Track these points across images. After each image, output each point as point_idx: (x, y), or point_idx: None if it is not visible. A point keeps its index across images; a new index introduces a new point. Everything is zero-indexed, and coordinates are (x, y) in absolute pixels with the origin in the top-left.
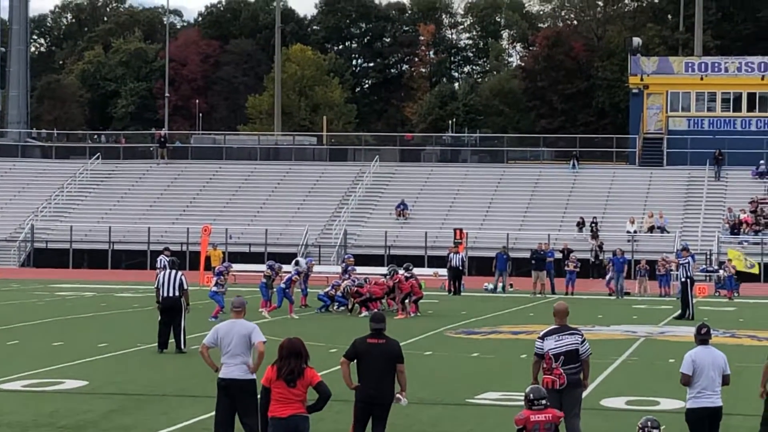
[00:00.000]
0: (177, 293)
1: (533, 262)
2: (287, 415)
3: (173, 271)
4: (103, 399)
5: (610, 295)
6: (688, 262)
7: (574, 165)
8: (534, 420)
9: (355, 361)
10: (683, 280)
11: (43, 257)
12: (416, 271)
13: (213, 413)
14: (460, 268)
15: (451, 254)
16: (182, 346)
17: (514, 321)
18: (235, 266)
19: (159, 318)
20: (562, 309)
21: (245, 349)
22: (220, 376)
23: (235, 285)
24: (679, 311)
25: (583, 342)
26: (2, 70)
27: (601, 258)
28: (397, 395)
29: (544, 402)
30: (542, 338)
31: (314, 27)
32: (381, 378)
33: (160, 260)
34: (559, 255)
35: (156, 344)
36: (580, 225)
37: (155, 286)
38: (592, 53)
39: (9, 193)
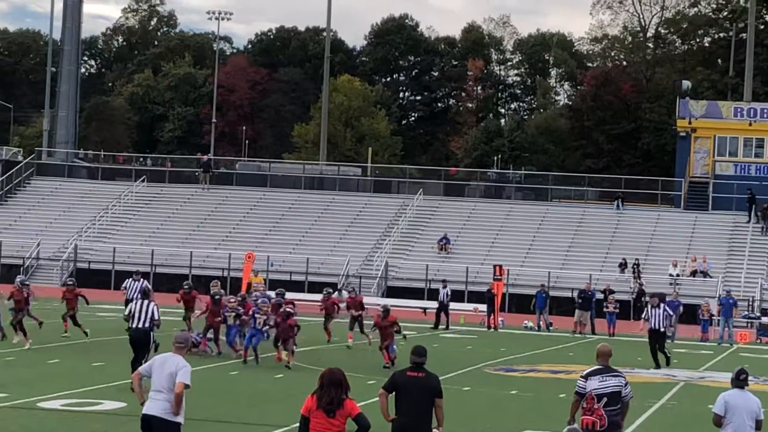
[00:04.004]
0: (148, 325)
1: (579, 301)
2: None
3: (145, 301)
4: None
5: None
6: (662, 312)
7: (618, 206)
8: None
9: (394, 393)
10: (652, 327)
11: (86, 277)
12: (456, 306)
13: None
14: (445, 302)
15: (440, 288)
16: None
17: (553, 360)
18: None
19: (131, 356)
20: (605, 351)
21: (171, 386)
22: (143, 411)
23: None
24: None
25: (626, 385)
26: (52, 90)
27: (644, 300)
28: (434, 430)
29: None
30: (585, 378)
31: (363, 58)
32: (419, 412)
33: (129, 284)
34: (600, 295)
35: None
36: (623, 266)
37: (125, 314)
38: (639, 94)
39: (54, 213)
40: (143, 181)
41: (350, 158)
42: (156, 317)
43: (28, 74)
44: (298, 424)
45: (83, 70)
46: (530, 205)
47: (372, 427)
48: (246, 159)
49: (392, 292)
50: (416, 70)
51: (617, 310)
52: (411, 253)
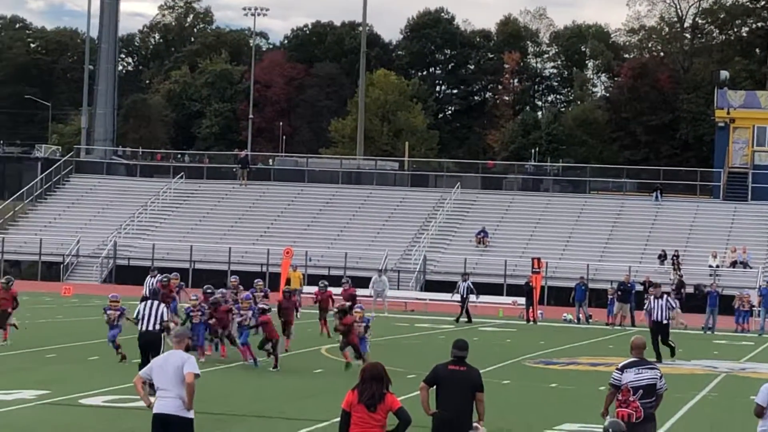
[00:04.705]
0: (158, 327)
1: (619, 293)
2: None
3: (155, 302)
4: None
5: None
6: (665, 303)
7: (657, 197)
8: None
9: (435, 387)
10: (654, 319)
11: (125, 274)
12: (495, 299)
13: None
14: (464, 295)
15: (459, 282)
16: None
17: (593, 352)
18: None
19: (140, 359)
20: (640, 343)
21: (179, 381)
22: (154, 411)
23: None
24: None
25: (661, 377)
26: (90, 87)
27: (683, 291)
28: (475, 424)
29: None
30: (621, 370)
31: (399, 52)
32: (460, 406)
33: (150, 283)
34: (640, 287)
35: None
36: (662, 258)
37: (135, 316)
38: (677, 85)
39: (93, 210)
40: (181, 177)
41: (387, 152)
42: (165, 318)
43: (66, 72)
44: (339, 419)
45: (120, 67)
46: (568, 197)
47: (413, 421)
48: (283, 154)
49: (430, 286)
50: (452, 64)
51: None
52: (449, 246)
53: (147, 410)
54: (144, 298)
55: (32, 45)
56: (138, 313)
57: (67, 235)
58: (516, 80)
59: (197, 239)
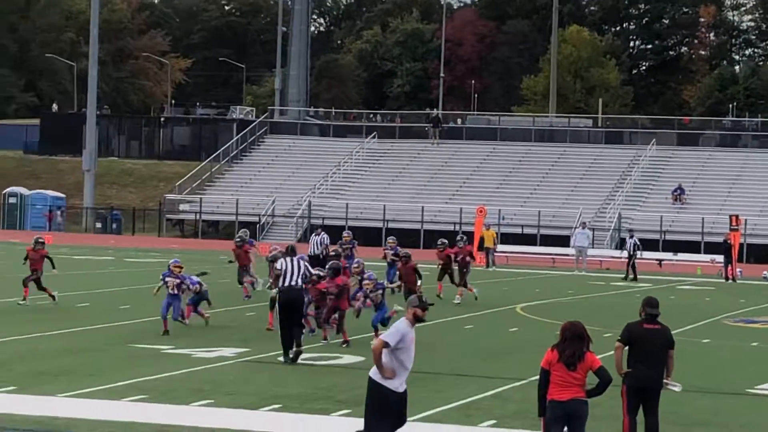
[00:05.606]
0: (301, 283)
1: None
2: (567, 398)
3: (294, 258)
4: None
5: None
6: None
7: None
8: None
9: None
10: None
11: None
12: (692, 257)
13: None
14: (631, 252)
15: (627, 239)
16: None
17: None
18: (507, 248)
19: (279, 317)
20: None
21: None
22: (400, 390)
23: (506, 266)
24: None
25: None
26: (283, 49)
27: None
28: (667, 381)
29: None
30: None
31: (591, 8)
32: (655, 364)
33: (315, 242)
34: None
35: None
36: None
37: (276, 273)
38: None
39: (288, 170)
40: (374, 137)
41: (580, 110)
42: (309, 274)
43: (260, 34)
44: (537, 377)
45: (312, 28)
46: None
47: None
48: (475, 113)
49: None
50: (646, 19)
51: None
52: (644, 204)
53: (346, 368)
54: (310, 257)
55: (226, 8)
56: (281, 268)
57: (263, 195)
58: (712, 34)
59: (390, 198)
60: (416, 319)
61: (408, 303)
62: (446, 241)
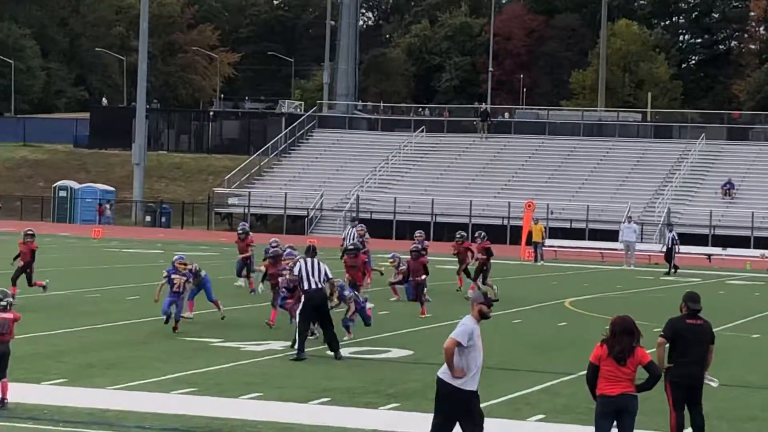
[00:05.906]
0: (324, 285)
1: None
2: (616, 393)
3: (314, 259)
4: (427, 369)
5: None
6: None
7: None
8: None
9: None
10: None
11: (368, 228)
12: (742, 252)
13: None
14: (670, 246)
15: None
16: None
17: None
18: (556, 242)
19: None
20: None
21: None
22: (467, 388)
23: (554, 261)
24: None
25: None
26: (332, 43)
27: None
28: (705, 376)
29: None
30: None
31: (641, 2)
32: (698, 359)
33: (350, 234)
34: None
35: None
36: None
37: (296, 274)
38: None
39: (336, 164)
40: (422, 131)
41: (629, 104)
42: (329, 275)
43: (308, 28)
44: (585, 372)
45: (361, 22)
46: None
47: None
48: (524, 107)
49: None
50: (696, 12)
51: None
52: (694, 198)
53: (394, 362)
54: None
55: (275, 2)
56: (299, 270)
57: (311, 189)
58: (762, 28)
59: (438, 193)
60: (482, 316)
61: (473, 299)
62: (464, 233)
